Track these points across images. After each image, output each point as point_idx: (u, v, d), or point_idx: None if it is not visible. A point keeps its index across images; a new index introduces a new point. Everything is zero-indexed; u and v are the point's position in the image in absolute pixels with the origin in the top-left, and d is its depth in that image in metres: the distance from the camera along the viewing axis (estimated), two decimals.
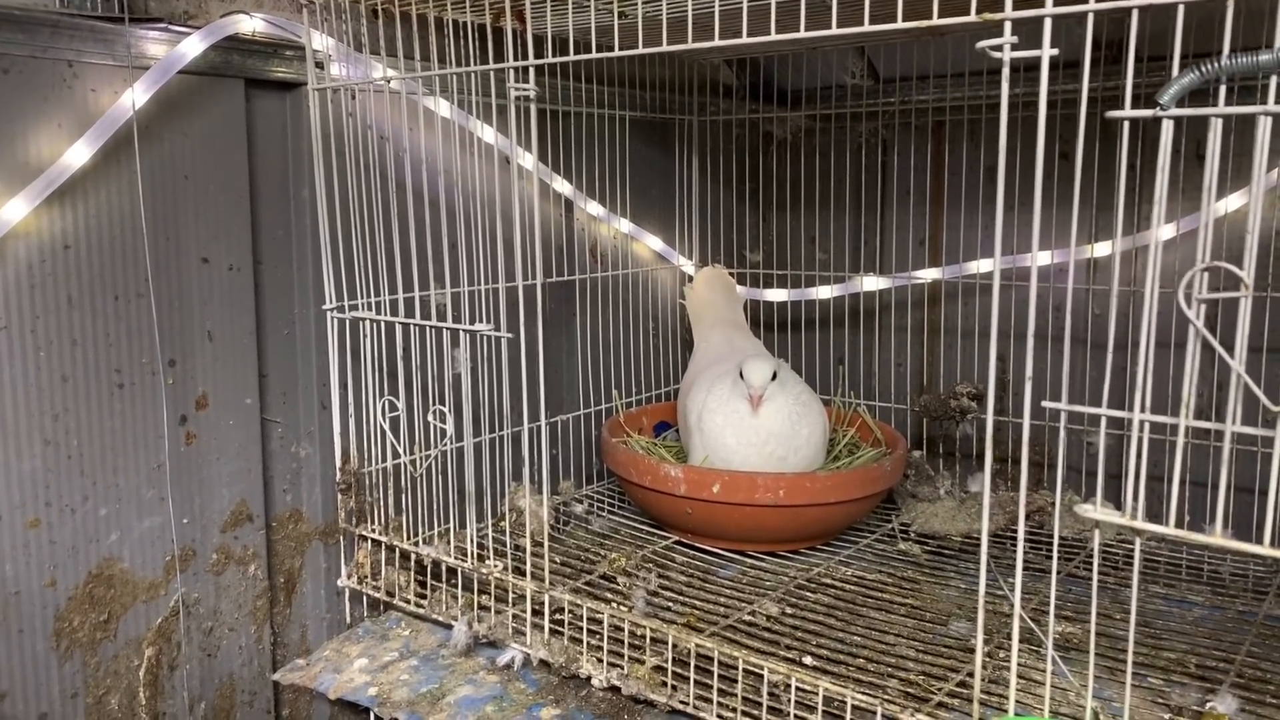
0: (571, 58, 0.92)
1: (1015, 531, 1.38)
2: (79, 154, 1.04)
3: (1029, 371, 0.69)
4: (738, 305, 1.71)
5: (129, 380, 1.12)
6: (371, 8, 1.16)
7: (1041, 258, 1.48)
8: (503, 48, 1.00)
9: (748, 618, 1.14)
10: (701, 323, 1.65)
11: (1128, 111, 0.62)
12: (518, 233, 1.03)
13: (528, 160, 1.38)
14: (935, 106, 1.64)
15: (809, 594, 1.22)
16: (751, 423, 1.31)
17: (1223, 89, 0.59)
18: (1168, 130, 0.61)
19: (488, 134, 1.33)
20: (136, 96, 1.07)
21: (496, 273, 1.08)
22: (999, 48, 0.66)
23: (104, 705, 1.13)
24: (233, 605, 1.25)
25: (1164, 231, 1.34)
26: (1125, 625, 1.02)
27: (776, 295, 1.81)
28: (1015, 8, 0.67)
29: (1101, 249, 1.49)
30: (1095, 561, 0.68)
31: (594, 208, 1.59)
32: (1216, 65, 0.59)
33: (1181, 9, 0.60)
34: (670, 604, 1.18)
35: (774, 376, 1.32)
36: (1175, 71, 0.61)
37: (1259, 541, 0.61)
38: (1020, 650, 1.03)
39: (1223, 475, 0.61)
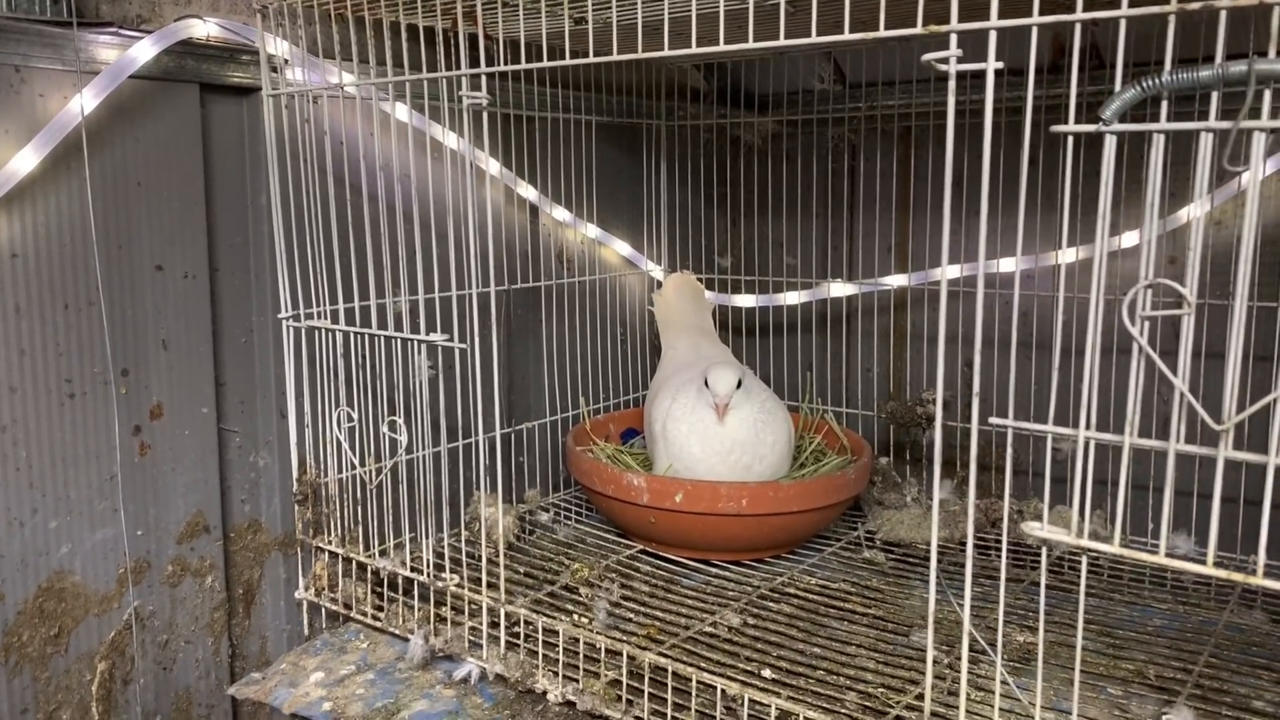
0: (523, 65, 0.91)
1: (980, 538, 1.38)
2: (26, 160, 1.02)
3: (976, 387, 0.69)
4: (706, 311, 1.70)
5: (80, 390, 1.11)
6: (327, 12, 1.14)
7: (1007, 264, 1.48)
8: (458, 52, 0.99)
9: (709, 629, 1.13)
10: (669, 329, 1.65)
11: (1071, 126, 0.61)
12: (474, 238, 1.02)
13: (488, 166, 1.37)
14: (903, 112, 1.64)
15: (771, 604, 1.21)
16: (717, 431, 1.31)
17: (1164, 104, 0.59)
18: (1110, 145, 0.60)
19: (449, 139, 1.32)
20: (86, 102, 1.05)
21: (456, 279, 1.06)
22: (944, 60, 0.65)
23: None
24: (189, 618, 1.23)
25: (1122, 241, 1.34)
26: (1085, 635, 1.02)
27: (745, 301, 1.80)
28: (961, 19, 0.66)
29: (1063, 255, 1.48)
30: (1043, 580, 0.67)
31: (560, 213, 1.57)
32: (1158, 81, 0.58)
33: (1124, 22, 0.59)
34: (632, 614, 1.17)
35: (739, 384, 1.31)
36: (1118, 86, 0.61)
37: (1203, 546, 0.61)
38: (981, 662, 1.03)
39: (1167, 493, 0.61)
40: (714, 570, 1.32)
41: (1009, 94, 0.99)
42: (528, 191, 1.51)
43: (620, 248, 1.70)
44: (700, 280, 1.74)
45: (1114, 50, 0.61)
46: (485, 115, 0.97)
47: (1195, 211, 0.58)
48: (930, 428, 1.51)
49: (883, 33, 0.68)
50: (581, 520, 1.50)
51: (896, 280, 1.66)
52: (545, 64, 0.87)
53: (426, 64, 1.12)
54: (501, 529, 1.09)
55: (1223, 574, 0.57)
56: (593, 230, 1.64)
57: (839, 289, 1.70)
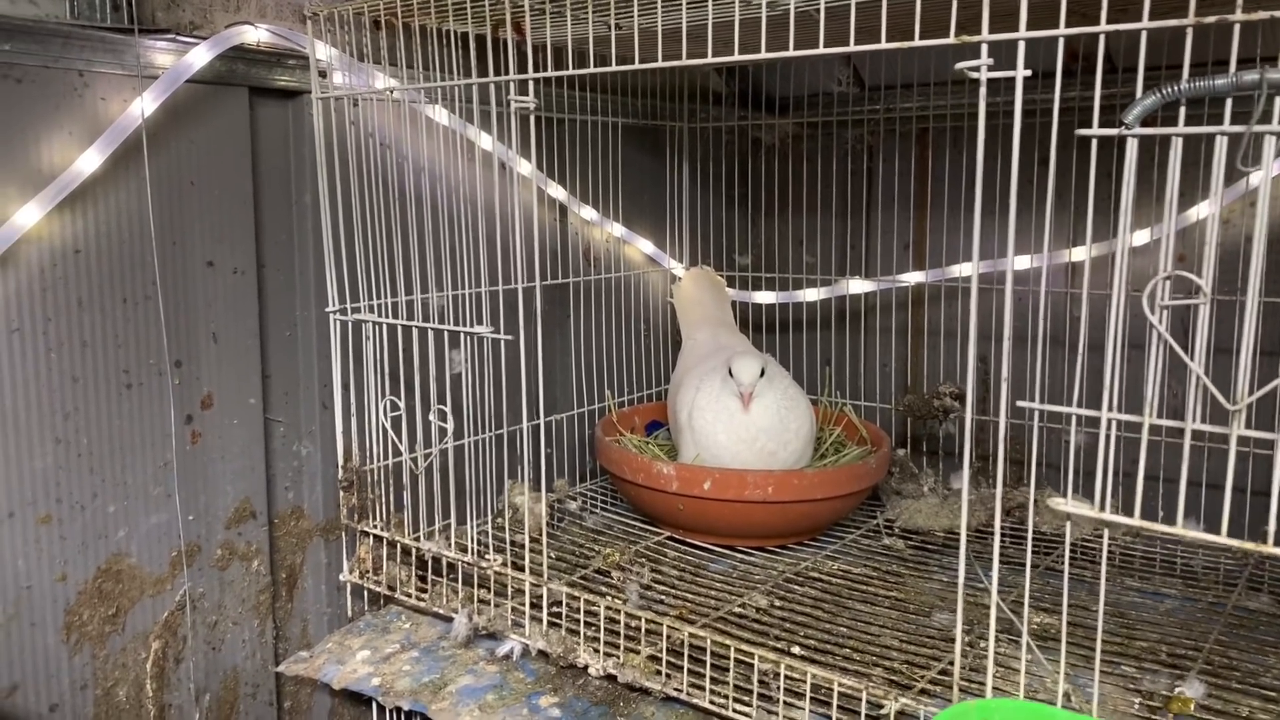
0: (569, 72, 0.96)
1: (996, 527, 1.42)
2: (89, 161, 1.07)
3: (1005, 374, 0.74)
4: (725, 303, 1.75)
5: (137, 380, 1.16)
6: (374, 19, 1.19)
7: (1022, 261, 1.53)
8: (501, 58, 1.04)
9: (738, 610, 1.18)
10: (689, 320, 1.69)
11: (1095, 130, 0.66)
12: (516, 237, 1.07)
13: (525, 168, 1.42)
14: (920, 114, 1.69)
15: (796, 587, 1.26)
16: (742, 419, 1.35)
17: (1182, 110, 0.64)
18: (1133, 148, 0.65)
19: (486, 141, 1.37)
20: (145, 105, 1.10)
21: (495, 276, 1.11)
22: (976, 68, 0.70)
23: (112, 697, 1.17)
24: (236, 600, 1.28)
25: (1132, 240, 1.39)
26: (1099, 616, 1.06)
27: (765, 297, 1.85)
28: (991, 30, 0.71)
29: (1080, 252, 1.53)
30: (1066, 553, 0.72)
31: (588, 212, 1.62)
32: (1177, 89, 0.63)
33: (1145, 34, 0.64)
34: (663, 597, 1.22)
35: (762, 372, 1.35)
36: (1139, 91, 0.66)
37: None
38: (1000, 640, 1.08)
39: (1183, 471, 0.66)
40: (739, 556, 1.37)
41: (1008, 97, 1.04)
42: (557, 191, 1.56)
43: (644, 246, 1.75)
44: (721, 277, 1.79)
45: (1126, 55, 0.66)
46: (532, 119, 1.02)
47: (1211, 208, 0.63)
48: (946, 420, 1.56)
49: (918, 42, 0.73)
50: (608, 509, 1.55)
51: (913, 277, 1.71)
52: (593, 70, 0.92)
53: (467, 69, 1.17)
54: (544, 511, 1.13)
55: (1237, 543, 0.62)
56: (618, 229, 1.69)
57: (857, 286, 1.75)
